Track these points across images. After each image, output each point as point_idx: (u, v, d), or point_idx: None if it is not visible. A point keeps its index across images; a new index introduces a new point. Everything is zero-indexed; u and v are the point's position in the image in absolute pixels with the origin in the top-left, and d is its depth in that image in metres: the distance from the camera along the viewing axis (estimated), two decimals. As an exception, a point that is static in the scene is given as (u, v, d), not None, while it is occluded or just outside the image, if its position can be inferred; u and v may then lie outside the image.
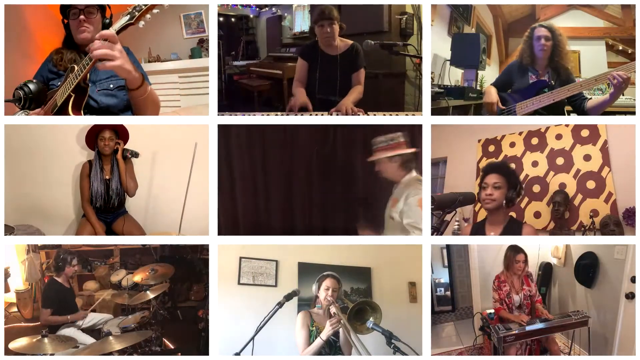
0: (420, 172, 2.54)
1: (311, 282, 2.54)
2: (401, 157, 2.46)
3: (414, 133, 2.63)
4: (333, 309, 2.24)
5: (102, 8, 2.59)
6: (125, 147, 3.15)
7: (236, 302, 2.90)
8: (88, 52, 2.17)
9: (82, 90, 2.33)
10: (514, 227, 2.34)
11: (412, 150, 2.48)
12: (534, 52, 2.87)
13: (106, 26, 2.57)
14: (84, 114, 2.40)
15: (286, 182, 3.24)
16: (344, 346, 2.26)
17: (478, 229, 2.43)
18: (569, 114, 3.03)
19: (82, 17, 2.51)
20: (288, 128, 3.13)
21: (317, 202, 3.13)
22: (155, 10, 2.15)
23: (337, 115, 2.68)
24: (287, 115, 2.74)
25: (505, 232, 2.34)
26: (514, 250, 3.02)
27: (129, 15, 2.14)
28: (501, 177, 2.33)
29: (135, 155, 3.18)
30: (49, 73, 2.64)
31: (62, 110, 2.34)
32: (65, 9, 2.58)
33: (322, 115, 2.71)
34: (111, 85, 2.59)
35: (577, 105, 2.82)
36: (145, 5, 2.12)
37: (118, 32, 2.15)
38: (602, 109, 2.75)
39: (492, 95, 2.90)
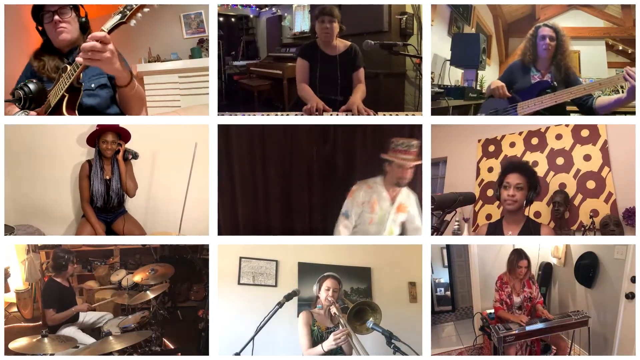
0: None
1: (311, 282, 2.54)
2: (415, 168, 2.65)
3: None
4: (333, 309, 2.25)
5: (75, 8, 2.54)
6: (126, 147, 3.15)
7: (236, 302, 2.90)
8: (73, 55, 2.16)
9: (75, 89, 2.34)
10: (532, 228, 2.32)
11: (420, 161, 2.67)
12: (537, 51, 2.85)
13: (83, 25, 2.58)
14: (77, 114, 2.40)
15: (286, 182, 3.24)
16: (345, 346, 2.26)
17: (496, 228, 2.41)
18: (569, 114, 3.03)
19: (56, 17, 2.46)
20: (288, 128, 3.13)
21: (317, 202, 3.13)
22: (145, 9, 2.14)
23: (348, 114, 2.68)
24: (288, 115, 2.74)
25: (523, 232, 2.33)
26: (518, 255, 3.01)
27: (120, 15, 2.13)
28: (523, 178, 2.31)
29: (136, 156, 3.19)
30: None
31: (56, 111, 2.34)
32: (37, 15, 2.52)
33: (323, 115, 2.70)
34: (92, 85, 2.55)
35: (584, 103, 2.79)
36: (135, 4, 2.12)
37: (110, 32, 2.13)
38: (616, 107, 2.71)
39: (496, 80, 2.88)
